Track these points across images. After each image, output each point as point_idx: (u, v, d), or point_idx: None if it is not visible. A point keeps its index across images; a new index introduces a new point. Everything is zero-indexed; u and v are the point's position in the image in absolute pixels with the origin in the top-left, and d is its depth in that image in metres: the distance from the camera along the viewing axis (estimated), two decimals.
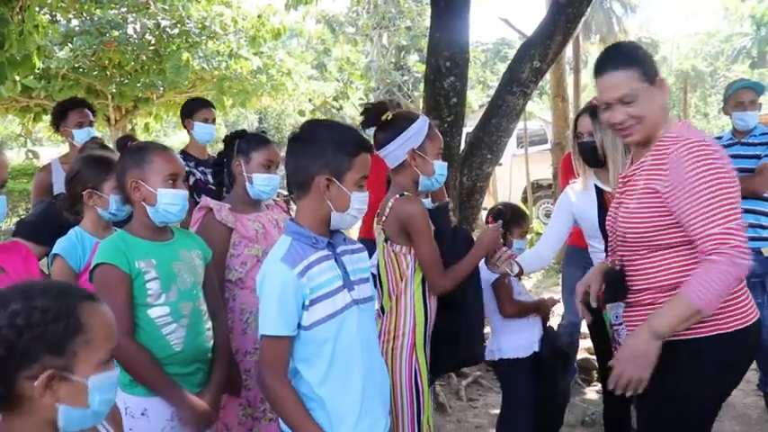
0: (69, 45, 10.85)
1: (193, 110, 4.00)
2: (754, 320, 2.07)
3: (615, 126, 2.12)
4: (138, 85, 11.69)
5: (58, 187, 3.71)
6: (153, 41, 11.61)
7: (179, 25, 11.91)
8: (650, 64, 2.09)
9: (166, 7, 11.73)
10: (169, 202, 2.17)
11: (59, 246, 2.33)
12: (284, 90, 12.73)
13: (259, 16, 10.74)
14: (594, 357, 4.15)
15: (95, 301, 1.31)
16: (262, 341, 1.82)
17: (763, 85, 4.29)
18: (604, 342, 2.95)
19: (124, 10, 11.47)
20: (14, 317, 1.20)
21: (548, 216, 9.94)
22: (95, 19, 10.81)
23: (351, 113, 22.43)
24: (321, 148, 1.85)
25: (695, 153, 1.95)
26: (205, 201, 2.64)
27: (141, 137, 18.41)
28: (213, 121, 4.01)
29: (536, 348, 3.01)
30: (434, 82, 5.38)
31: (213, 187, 3.49)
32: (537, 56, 5.36)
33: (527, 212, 3.59)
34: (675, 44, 37.49)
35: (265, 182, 2.66)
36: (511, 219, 3.13)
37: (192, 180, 3.77)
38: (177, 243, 2.27)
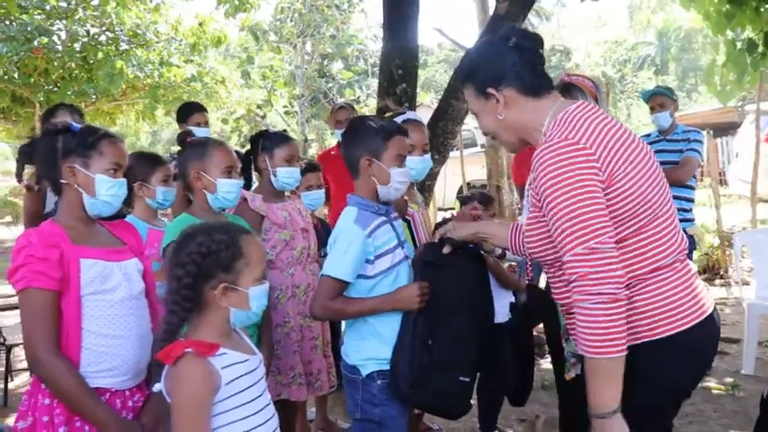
0: None
1: (187, 115, 4.27)
2: (689, 325, 1.74)
3: None
4: (69, 93, 11.51)
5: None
6: (80, 49, 11.46)
7: (108, 32, 11.84)
8: (486, 71, 1.84)
9: (96, 14, 11.63)
10: (227, 190, 2.50)
11: None
12: (218, 98, 12.83)
13: (200, 24, 10.84)
14: (544, 336, 4.63)
15: (251, 234, 1.76)
16: (323, 279, 2.20)
17: (665, 90, 5.01)
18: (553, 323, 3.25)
19: (43, 17, 11.25)
20: (201, 246, 1.65)
21: None
22: (20, 25, 10.58)
23: (274, 121, 22.57)
24: (362, 137, 2.29)
25: (548, 161, 1.68)
26: (241, 192, 2.96)
27: None
28: (207, 125, 4.28)
29: (509, 316, 3.48)
30: (387, 88, 5.78)
31: None
32: None
33: (494, 197, 4.04)
34: (587, 52, 39.57)
35: (288, 174, 2.98)
36: (478, 203, 3.58)
37: None
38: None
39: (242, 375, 1.65)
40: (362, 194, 2.30)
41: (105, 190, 1.91)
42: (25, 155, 2.05)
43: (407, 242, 2.43)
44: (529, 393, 3.57)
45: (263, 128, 3.52)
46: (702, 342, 1.82)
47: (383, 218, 2.28)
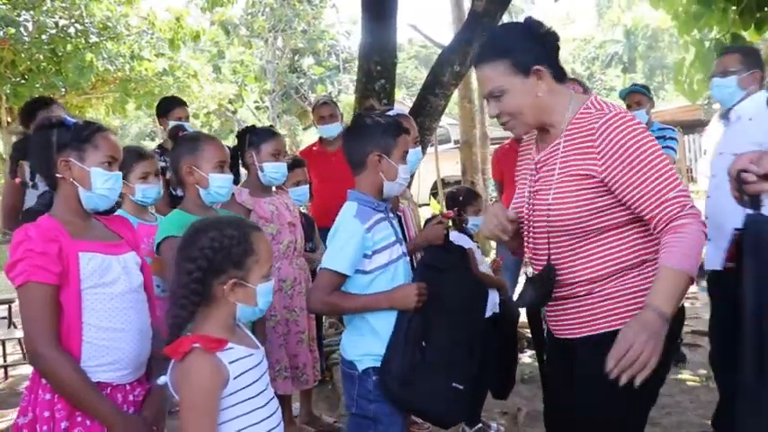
0: None
1: (168, 109, 4.24)
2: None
3: (497, 120, 2.00)
4: (37, 85, 11.27)
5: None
6: (48, 41, 11.23)
7: (77, 24, 11.63)
8: (526, 52, 1.88)
9: (65, 5, 11.41)
10: (219, 185, 2.50)
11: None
12: (190, 92, 12.70)
13: (177, 19, 10.70)
14: (528, 330, 4.73)
15: (261, 231, 1.79)
16: (322, 272, 2.23)
17: (641, 89, 5.14)
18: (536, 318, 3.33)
19: (9, 7, 10.99)
20: (213, 241, 1.65)
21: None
22: None
23: (245, 116, 22.42)
24: (372, 133, 2.30)
25: (624, 126, 1.81)
26: None
27: None
28: (187, 119, 4.26)
29: (496, 310, 3.53)
30: (366, 84, 5.80)
31: None
32: (457, 61, 5.85)
33: (480, 193, 4.10)
34: None
35: (275, 169, 3.02)
36: (465, 199, 3.63)
37: (168, 174, 4.00)
38: None
39: (248, 370, 1.67)
40: (364, 190, 2.32)
41: (101, 183, 1.91)
42: (19, 150, 2.03)
43: (405, 239, 2.47)
44: (512, 387, 3.63)
45: (234, 123, 3.53)
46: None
47: (382, 214, 2.31)
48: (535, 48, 1.90)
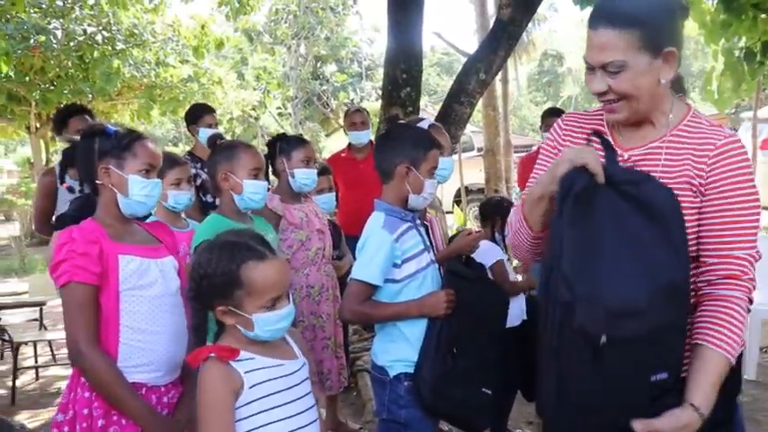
0: None
1: (197, 116, 4.31)
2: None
3: (596, 95, 1.66)
4: (65, 91, 11.49)
5: (63, 190, 3.88)
6: (76, 48, 11.44)
7: (104, 31, 11.83)
8: (662, 28, 1.56)
9: (94, 13, 11.62)
10: (253, 191, 2.54)
11: None
12: (214, 99, 12.85)
13: (202, 26, 10.86)
14: None
15: (261, 261, 1.64)
16: (352, 282, 2.24)
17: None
18: None
19: (40, 15, 11.22)
20: (200, 267, 1.65)
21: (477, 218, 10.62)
22: (18, 23, 10.55)
23: (267, 123, 22.59)
24: (403, 144, 2.31)
25: (743, 158, 1.59)
26: None
27: (61, 145, 17.85)
28: (216, 126, 4.32)
29: (524, 317, 3.53)
30: (392, 92, 5.80)
31: None
32: (483, 69, 5.86)
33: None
34: (579, 58, 39.64)
35: (305, 176, 3.06)
36: (497, 211, 3.63)
37: (199, 181, 4.06)
38: (256, 226, 2.60)
39: (270, 379, 1.67)
40: (390, 200, 2.33)
41: (138, 190, 1.95)
42: (67, 157, 2.10)
43: (433, 247, 2.47)
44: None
45: (257, 129, 3.59)
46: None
47: (409, 223, 2.32)
48: (672, 26, 1.59)
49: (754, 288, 1.59)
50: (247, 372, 1.63)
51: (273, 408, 1.66)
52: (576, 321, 1.43)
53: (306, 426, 1.72)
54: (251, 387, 1.63)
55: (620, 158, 1.66)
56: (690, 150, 1.62)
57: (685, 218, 1.55)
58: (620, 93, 1.59)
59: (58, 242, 1.86)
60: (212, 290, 1.63)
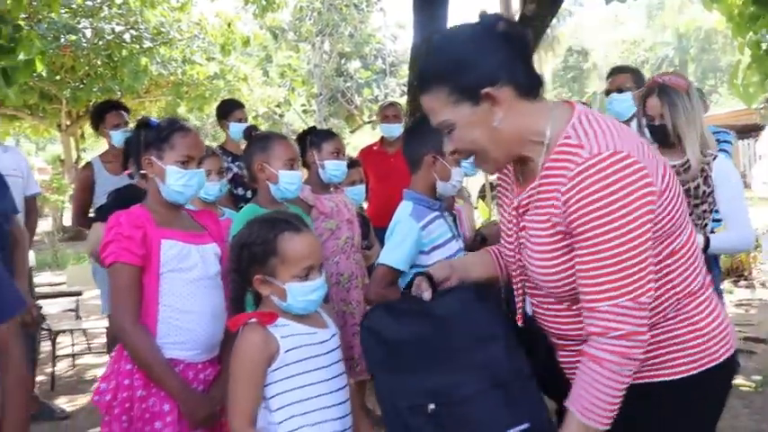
0: None
1: (228, 112, 4.44)
2: (722, 359, 1.62)
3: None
4: (95, 89, 11.73)
5: (100, 183, 4.01)
6: (105, 46, 11.68)
7: (132, 30, 12.05)
8: (471, 70, 1.41)
9: (122, 12, 11.84)
10: (288, 181, 2.60)
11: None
12: (240, 95, 13.01)
13: (228, 24, 11.02)
14: None
15: (295, 232, 1.77)
16: (379, 267, 2.34)
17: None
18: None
19: (70, 15, 11.45)
20: (240, 238, 1.79)
21: None
22: (49, 23, 10.80)
23: (292, 120, 22.78)
24: (429, 134, 2.34)
25: (602, 184, 1.33)
26: None
27: (90, 142, 18.18)
28: (246, 120, 4.44)
29: None
30: (417, 88, 5.86)
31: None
32: None
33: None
34: (605, 52, 39.26)
35: (335, 167, 3.15)
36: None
37: (230, 174, 4.17)
38: None
39: (304, 345, 1.75)
40: (418, 189, 2.42)
41: (175, 180, 2.04)
42: (127, 147, 2.27)
43: (461, 236, 2.54)
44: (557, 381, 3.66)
45: (282, 126, 3.70)
46: (728, 381, 1.70)
47: (437, 212, 2.40)
48: (487, 60, 1.41)
49: (641, 341, 1.37)
50: (284, 337, 1.73)
51: (308, 372, 1.75)
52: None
53: (337, 390, 1.80)
54: (286, 351, 1.72)
55: (511, 208, 1.57)
56: (556, 185, 1.41)
57: (558, 267, 1.44)
58: (463, 149, 1.52)
59: (108, 225, 1.99)
60: (251, 258, 1.75)
